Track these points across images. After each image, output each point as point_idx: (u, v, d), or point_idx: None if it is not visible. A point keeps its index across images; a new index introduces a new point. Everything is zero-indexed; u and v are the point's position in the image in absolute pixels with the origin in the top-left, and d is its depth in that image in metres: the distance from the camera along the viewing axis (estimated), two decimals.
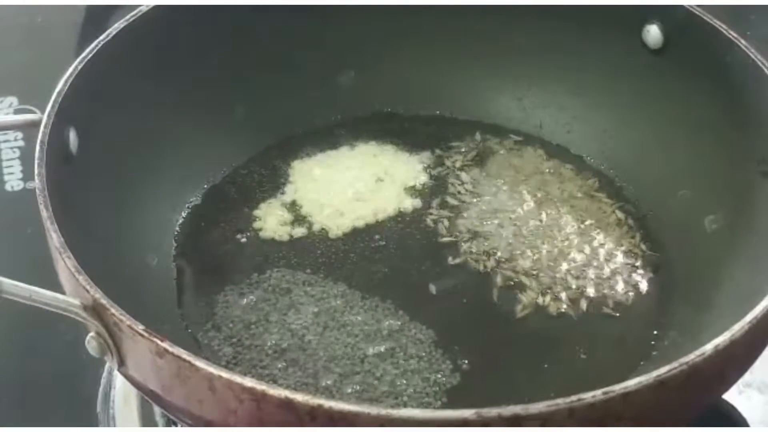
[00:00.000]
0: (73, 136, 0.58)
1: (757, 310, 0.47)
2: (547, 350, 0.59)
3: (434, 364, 0.58)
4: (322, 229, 0.66)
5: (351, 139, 0.73)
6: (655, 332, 0.60)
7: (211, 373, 0.44)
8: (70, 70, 0.59)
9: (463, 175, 0.70)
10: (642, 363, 0.58)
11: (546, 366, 0.58)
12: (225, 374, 0.43)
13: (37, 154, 0.54)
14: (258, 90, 0.71)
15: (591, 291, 0.63)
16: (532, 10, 0.70)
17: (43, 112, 0.56)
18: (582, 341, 0.60)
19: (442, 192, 0.69)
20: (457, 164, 0.71)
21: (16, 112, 0.80)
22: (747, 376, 0.51)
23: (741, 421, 0.60)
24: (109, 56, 0.61)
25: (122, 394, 0.62)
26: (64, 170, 0.56)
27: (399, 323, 0.60)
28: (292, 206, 0.68)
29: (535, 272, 0.63)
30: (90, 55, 0.60)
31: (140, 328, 0.46)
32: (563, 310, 0.61)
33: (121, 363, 0.49)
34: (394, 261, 0.64)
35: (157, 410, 0.60)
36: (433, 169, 0.71)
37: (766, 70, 0.59)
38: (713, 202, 0.63)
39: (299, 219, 0.67)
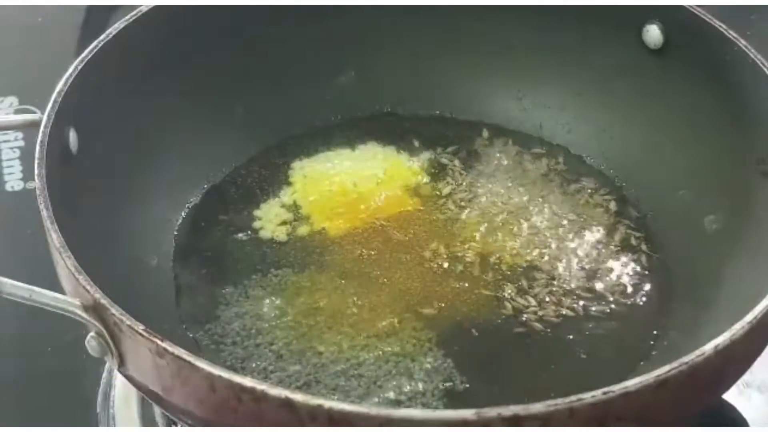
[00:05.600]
0: (73, 136, 0.58)
1: (757, 310, 0.47)
2: (547, 350, 0.59)
3: (434, 365, 0.58)
4: (322, 229, 0.66)
5: (351, 139, 0.73)
6: (655, 332, 0.60)
7: (211, 373, 0.44)
8: (70, 70, 0.58)
9: (463, 176, 0.70)
10: (642, 363, 0.58)
11: (546, 366, 0.58)
12: (225, 374, 0.43)
13: (37, 154, 0.54)
14: (258, 90, 0.71)
15: (590, 291, 0.62)
16: (532, 10, 0.70)
17: (43, 112, 0.56)
18: (582, 341, 0.60)
19: (441, 192, 0.69)
20: (457, 165, 0.71)
21: (16, 112, 0.80)
22: (747, 376, 0.51)
23: (741, 421, 0.60)
24: (109, 56, 0.61)
25: (122, 394, 0.62)
26: (64, 170, 0.56)
27: (398, 324, 0.60)
28: (292, 206, 0.68)
29: (534, 272, 0.63)
30: (90, 55, 0.60)
31: (140, 328, 0.46)
32: (563, 311, 0.61)
33: (121, 363, 0.49)
34: (393, 262, 0.64)
35: (157, 410, 0.60)
36: (432, 170, 0.71)
37: (765, 69, 0.59)
38: (713, 202, 0.63)
39: (299, 219, 0.67)
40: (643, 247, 0.65)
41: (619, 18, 0.67)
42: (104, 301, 0.47)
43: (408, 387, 0.56)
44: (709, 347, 0.45)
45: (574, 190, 0.69)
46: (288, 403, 0.42)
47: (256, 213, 0.67)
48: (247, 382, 0.43)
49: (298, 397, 0.42)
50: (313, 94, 0.72)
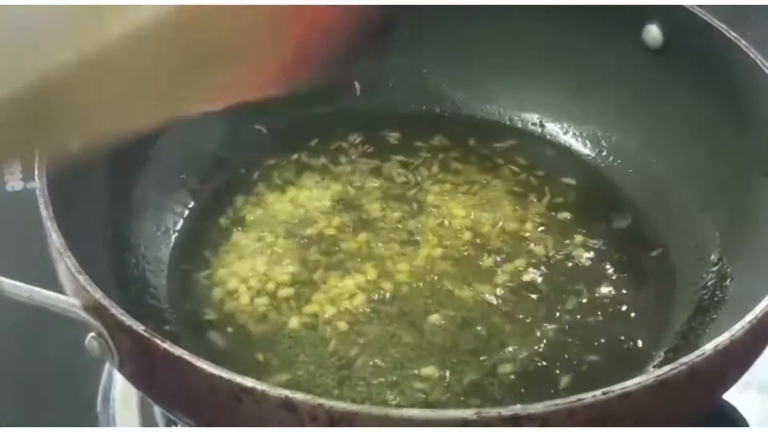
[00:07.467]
0: None
1: (757, 310, 0.47)
2: (547, 350, 0.59)
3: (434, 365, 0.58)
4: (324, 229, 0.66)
5: None
6: (655, 332, 0.60)
7: (212, 374, 0.44)
8: None
9: (461, 175, 0.70)
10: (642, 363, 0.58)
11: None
12: (225, 374, 0.43)
13: (37, 154, 0.54)
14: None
15: (590, 291, 0.62)
16: (533, 10, 0.70)
17: None
18: (582, 341, 0.59)
19: (438, 192, 0.69)
20: (455, 164, 0.71)
21: None
22: (747, 376, 0.51)
23: (741, 421, 0.59)
24: None
25: (122, 394, 0.62)
26: (64, 170, 0.56)
27: (394, 325, 0.60)
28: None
29: (533, 274, 0.63)
30: None
31: (141, 328, 0.46)
32: (563, 311, 0.61)
33: (122, 363, 0.49)
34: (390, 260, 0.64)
35: (157, 410, 0.60)
36: (429, 169, 0.70)
37: (766, 69, 0.59)
38: (713, 202, 0.63)
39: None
40: (643, 246, 0.65)
41: (618, 18, 0.67)
42: (104, 301, 0.47)
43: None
44: (709, 347, 0.45)
45: (573, 189, 0.69)
46: (288, 403, 0.42)
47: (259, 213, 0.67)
48: (248, 382, 0.43)
49: (298, 397, 0.42)
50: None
